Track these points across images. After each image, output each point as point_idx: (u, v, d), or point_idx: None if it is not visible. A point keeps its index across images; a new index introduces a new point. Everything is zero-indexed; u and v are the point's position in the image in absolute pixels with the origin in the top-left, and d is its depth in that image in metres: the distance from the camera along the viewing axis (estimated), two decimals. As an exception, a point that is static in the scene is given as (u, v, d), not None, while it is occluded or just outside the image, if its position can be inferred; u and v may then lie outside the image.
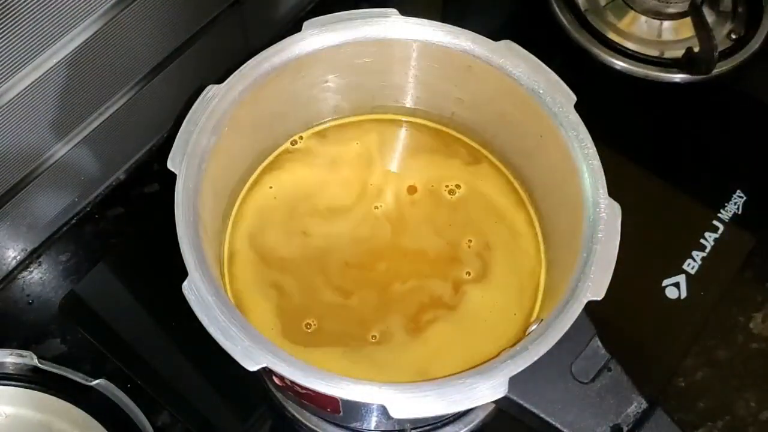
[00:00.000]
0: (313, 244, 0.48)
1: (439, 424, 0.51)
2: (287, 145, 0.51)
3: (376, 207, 0.49)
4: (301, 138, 0.51)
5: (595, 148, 0.42)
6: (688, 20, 0.68)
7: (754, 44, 0.67)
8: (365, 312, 0.45)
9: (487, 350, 0.43)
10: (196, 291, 0.36)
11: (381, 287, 0.46)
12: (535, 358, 0.36)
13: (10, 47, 0.44)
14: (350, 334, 0.45)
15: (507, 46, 0.45)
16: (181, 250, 0.38)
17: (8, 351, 0.49)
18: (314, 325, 0.45)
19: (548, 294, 0.45)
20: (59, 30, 0.46)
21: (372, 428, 0.49)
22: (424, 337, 0.45)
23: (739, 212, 0.60)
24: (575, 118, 0.43)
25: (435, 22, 0.45)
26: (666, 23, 0.69)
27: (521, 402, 0.37)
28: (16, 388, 0.49)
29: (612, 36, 0.68)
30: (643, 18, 0.69)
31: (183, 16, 0.56)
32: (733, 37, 0.68)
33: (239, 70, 0.43)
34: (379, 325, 0.45)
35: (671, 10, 0.68)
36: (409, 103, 0.51)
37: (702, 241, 0.59)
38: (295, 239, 0.48)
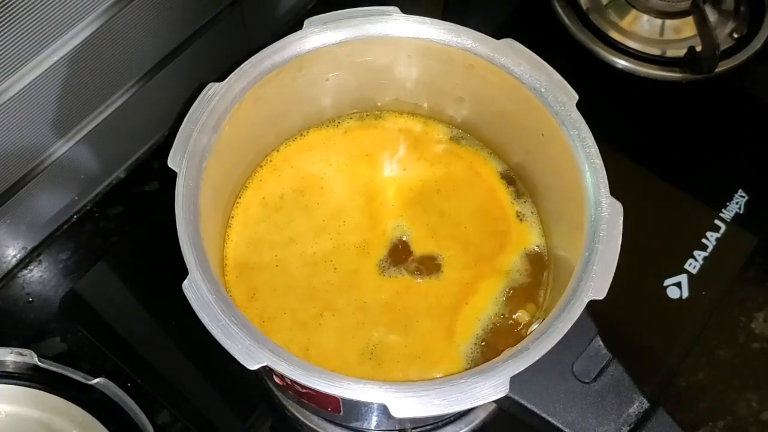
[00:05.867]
0: (312, 243, 0.47)
1: (439, 424, 0.51)
2: (288, 143, 0.51)
3: (377, 207, 0.49)
4: (302, 136, 0.51)
5: (596, 147, 0.42)
6: (690, 19, 0.68)
7: (756, 44, 0.67)
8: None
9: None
10: (196, 290, 0.36)
11: (379, 294, 0.46)
12: (537, 358, 0.35)
13: (11, 45, 0.44)
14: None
15: (509, 44, 0.45)
16: (182, 249, 0.38)
17: (8, 349, 0.49)
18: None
19: (550, 293, 0.45)
20: (59, 28, 0.46)
21: (372, 428, 0.49)
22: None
23: (741, 212, 0.60)
24: (577, 116, 0.43)
25: (436, 20, 0.45)
26: (668, 22, 0.69)
27: (522, 402, 0.37)
28: (16, 386, 0.48)
29: (614, 35, 0.68)
30: (645, 17, 0.69)
31: (184, 14, 0.56)
32: (735, 36, 0.68)
33: (240, 68, 0.43)
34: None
35: (673, 9, 0.68)
36: (410, 101, 0.51)
37: (704, 240, 0.59)
38: (294, 238, 0.48)
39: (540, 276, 0.47)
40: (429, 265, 0.47)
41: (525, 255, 0.47)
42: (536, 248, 0.48)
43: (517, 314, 0.45)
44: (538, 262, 0.47)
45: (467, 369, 0.43)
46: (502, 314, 0.45)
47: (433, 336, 0.45)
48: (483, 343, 0.44)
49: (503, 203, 0.49)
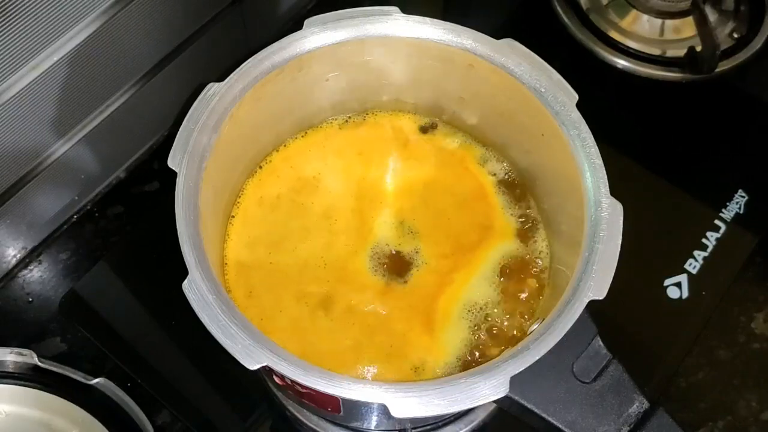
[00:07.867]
0: (304, 241, 0.47)
1: (439, 424, 0.51)
2: (287, 143, 0.51)
3: (368, 205, 0.49)
4: (301, 136, 0.51)
5: (597, 147, 0.42)
6: (690, 19, 0.68)
7: (756, 44, 0.67)
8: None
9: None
10: (196, 290, 0.36)
11: (368, 292, 0.46)
12: (537, 358, 0.35)
13: (11, 45, 0.44)
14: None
15: (509, 44, 0.45)
16: (182, 249, 0.38)
17: (8, 349, 0.49)
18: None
19: (550, 293, 0.45)
20: (59, 28, 0.46)
21: (372, 428, 0.49)
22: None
23: (741, 212, 0.60)
24: (577, 116, 0.43)
25: (436, 20, 0.45)
26: (668, 22, 0.69)
27: (522, 401, 0.37)
28: (16, 386, 0.49)
29: (614, 35, 0.68)
30: (645, 17, 0.69)
31: (183, 14, 0.56)
32: (735, 36, 0.68)
33: (240, 68, 0.43)
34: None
35: (673, 9, 0.68)
36: (410, 101, 0.51)
37: (704, 240, 0.59)
38: (289, 237, 0.48)
39: (533, 273, 0.47)
40: (418, 263, 0.47)
41: (520, 253, 0.47)
42: (531, 247, 0.48)
43: (507, 310, 0.45)
44: (534, 260, 0.47)
45: (457, 364, 0.43)
46: (490, 309, 0.45)
47: (423, 333, 0.44)
48: (472, 340, 0.44)
49: (495, 203, 0.49)
